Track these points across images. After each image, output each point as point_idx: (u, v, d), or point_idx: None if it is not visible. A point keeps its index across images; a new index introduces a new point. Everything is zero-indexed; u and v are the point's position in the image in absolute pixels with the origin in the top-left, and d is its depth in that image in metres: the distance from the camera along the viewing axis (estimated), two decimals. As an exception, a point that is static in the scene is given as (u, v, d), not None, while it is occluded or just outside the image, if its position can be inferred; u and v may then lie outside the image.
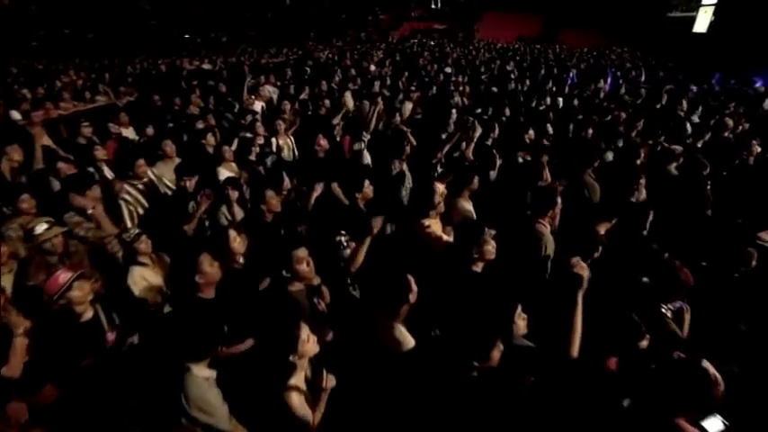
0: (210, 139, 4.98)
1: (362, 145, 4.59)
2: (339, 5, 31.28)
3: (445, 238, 2.89)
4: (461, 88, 7.87)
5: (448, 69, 11.49)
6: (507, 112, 5.92)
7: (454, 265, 2.57)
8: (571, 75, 10.70)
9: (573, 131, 5.40)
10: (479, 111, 6.11)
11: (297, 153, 5.63)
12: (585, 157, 3.85)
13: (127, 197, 3.78)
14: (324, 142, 4.67)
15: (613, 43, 20.19)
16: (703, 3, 19.22)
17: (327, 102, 6.43)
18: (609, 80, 9.81)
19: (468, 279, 2.51)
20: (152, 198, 3.84)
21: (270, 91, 7.98)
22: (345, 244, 2.76)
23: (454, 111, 5.31)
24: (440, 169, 3.89)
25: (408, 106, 6.92)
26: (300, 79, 9.34)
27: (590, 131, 5.11)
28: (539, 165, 3.55)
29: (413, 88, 7.32)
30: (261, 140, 5.42)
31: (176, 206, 3.66)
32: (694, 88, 8.95)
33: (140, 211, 3.84)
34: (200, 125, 5.43)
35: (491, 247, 2.57)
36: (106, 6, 23.60)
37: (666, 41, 19.34)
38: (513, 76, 9.70)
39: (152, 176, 3.97)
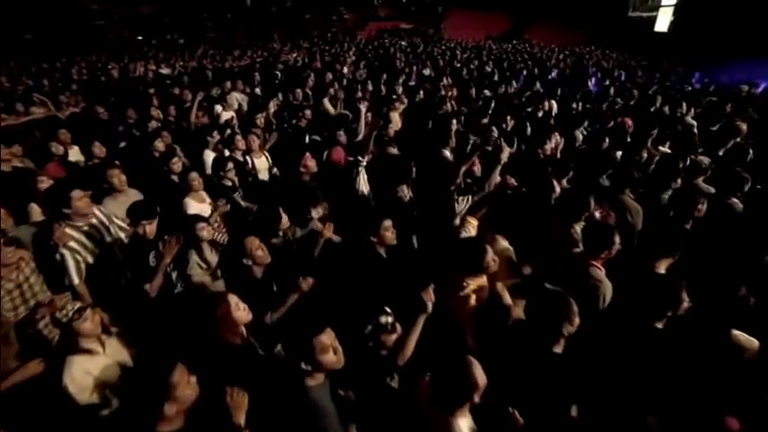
0: (175, 164, 4.16)
1: (361, 171, 3.92)
2: (302, 5, 30.27)
3: (516, 312, 2.23)
4: (450, 93, 7.33)
5: (426, 71, 10.98)
6: (510, 120, 5.40)
7: (531, 347, 1.96)
8: (553, 75, 10.44)
9: (584, 141, 4.94)
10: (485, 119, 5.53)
11: (275, 173, 4.90)
12: (623, 176, 3.37)
13: (73, 244, 2.93)
14: (311, 163, 3.94)
15: (580, 42, 20.40)
16: (663, 3, 19.74)
17: (308, 112, 5.69)
18: (594, 81, 9.59)
19: (548, 362, 1.92)
20: (101, 246, 3.00)
21: (238, 99, 7.14)
22: (391, 327, 2.10)
23: (455, 122, 4.74)
24: (462, 200, 3.24)
25: (395, 117, 6.30)
26: (271, 85, 8.53)
27: (605, 141, 4.67)
28: (580, 194, 3.01)
29: (395, 97, 6.67)
30: (239, 158, 4.66)
31: (133, 257, 2.87)
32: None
33: (90, 260, 2.99)
34: (160, 145, 4.56)
35: (578, 320, 2.00)
36: (46, 4, 21.51)
37: (629, 40, 19.72)
38: (495, 78, 9.28)
39: (99, 216, 3.13)
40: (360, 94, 6.89)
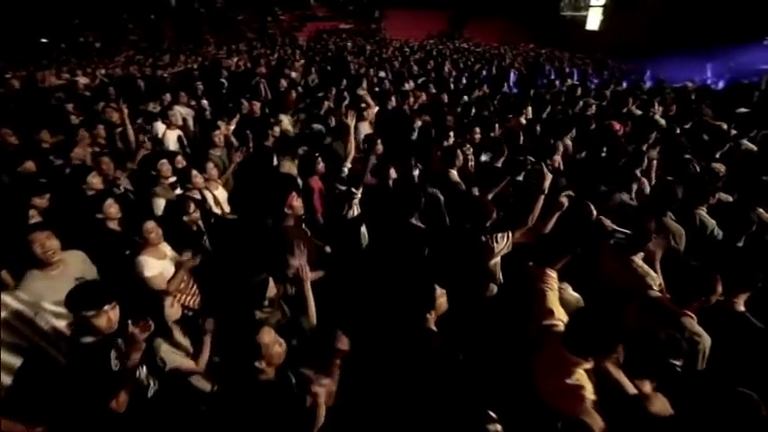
0: (111, 209, 3.17)
1: (355, 206, 3.22)
2: (234, 5, 28.48)
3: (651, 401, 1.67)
4: (413, 99, 6.74)
5: (382, 73, 10.41)
6: (497, 129, 4.96)
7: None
8: (512, 76, 10.31)
9: (588, 153, 4.57)
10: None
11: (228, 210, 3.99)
12: (663, 198, 3.00)
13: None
14: (298, 204, 3.15)
15: (518, 40, 20.92)
16: (592, 4, 20.82)
17: (277, 129, 4.85)
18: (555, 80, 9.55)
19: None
20: (22, 352, 2.06)
21: (182, 113, 6.07)
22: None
23: (452, 134, 4.19)
24: (501, 239, 2.61)
25: (365, 126, 5.63)
26: (217, 95, 7.48)
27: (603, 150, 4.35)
28: (641, 218, 2.56)
29: (363, 105, 5.99)
30: (197, 195, 3.73)
31: (82, 362, 1.98)
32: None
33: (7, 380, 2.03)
34: (95, 180, 3.53)
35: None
36: None
37: (564, 37, 20.55)
38: (462, 81, 8.94)
39: (17, 306, 2.17)
40: (328, 103, 6.12)
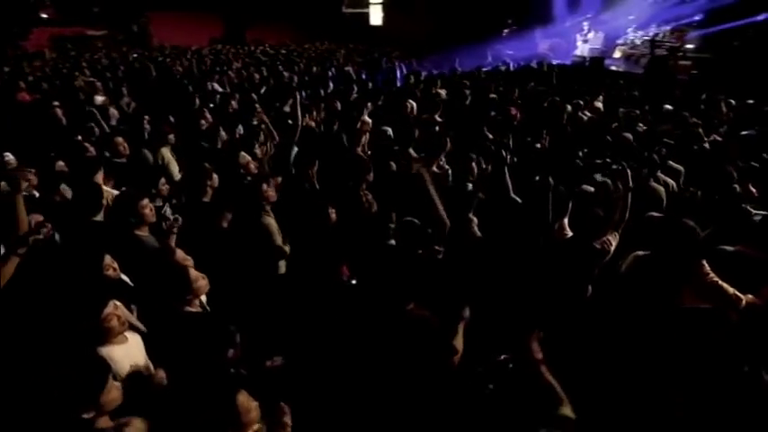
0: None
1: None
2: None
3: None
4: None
5: (217, 86, 8.70)
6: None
7: None
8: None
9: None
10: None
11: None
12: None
13: None
14: None
15: (306, 39, 20.96)
16: (372, 1, 22.49)
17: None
18: (400, 76, 9.85)
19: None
20: None
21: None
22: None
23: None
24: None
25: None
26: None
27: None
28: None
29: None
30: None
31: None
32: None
33: None
34: None
35: None
36: None
37: (349, 34, 21.47)
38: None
39: None
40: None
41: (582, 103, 6.62)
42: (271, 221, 2.96)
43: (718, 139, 5.12)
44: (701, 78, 10.37)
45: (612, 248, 2.54)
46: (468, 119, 5.63)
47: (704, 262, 2.32)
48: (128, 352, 1.83)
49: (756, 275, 2.39)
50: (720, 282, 2.28)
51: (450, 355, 1.95)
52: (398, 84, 9.53)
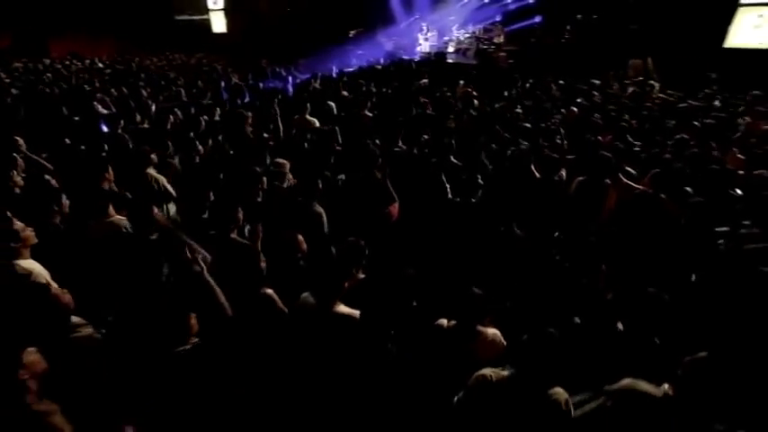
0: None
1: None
2: None
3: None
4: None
5: (101, 109, 7.99)
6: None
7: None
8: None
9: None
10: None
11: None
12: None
13: None
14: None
15: (133, 49, 19.16)
16: (211, 7, 21.53)
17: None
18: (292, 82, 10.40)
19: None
20: None
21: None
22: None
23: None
24: None
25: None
26: None
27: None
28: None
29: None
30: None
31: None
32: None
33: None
34: None
35: None
36: None
37: (186, 42, 20.23)
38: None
39: None
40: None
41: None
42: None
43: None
44: (515, 66, 13.78)
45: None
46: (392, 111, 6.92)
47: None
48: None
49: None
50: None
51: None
52: (290, 90, 10.04)
